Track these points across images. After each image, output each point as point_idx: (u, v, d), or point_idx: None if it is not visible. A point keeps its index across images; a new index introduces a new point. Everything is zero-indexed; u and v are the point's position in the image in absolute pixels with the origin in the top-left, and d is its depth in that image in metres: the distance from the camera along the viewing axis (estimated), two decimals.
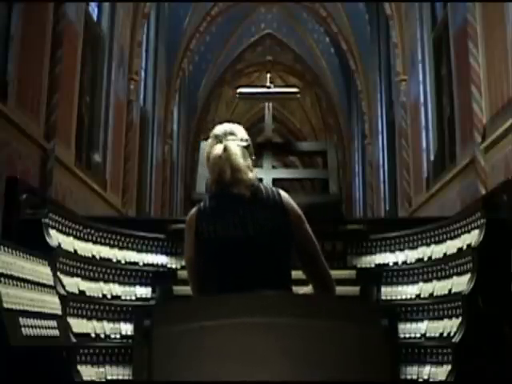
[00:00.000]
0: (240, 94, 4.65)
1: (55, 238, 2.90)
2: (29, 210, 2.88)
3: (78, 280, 3.01)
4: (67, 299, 2.77)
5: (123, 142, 10.28)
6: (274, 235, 2.16)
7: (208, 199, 2.24)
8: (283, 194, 2.27)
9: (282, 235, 2.19)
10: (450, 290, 2.91)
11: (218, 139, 2.29)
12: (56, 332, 2.49)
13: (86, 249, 3.16)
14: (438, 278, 3.06)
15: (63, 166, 7.16)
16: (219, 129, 2.35)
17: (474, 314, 2.65)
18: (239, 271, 2.11)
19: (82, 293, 3.00)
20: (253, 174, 2.25)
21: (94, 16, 9.35)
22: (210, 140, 2.34)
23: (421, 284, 3.17)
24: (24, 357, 2.25)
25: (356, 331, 1.65)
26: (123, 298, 3.25)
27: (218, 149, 2.24)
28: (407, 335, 3.04)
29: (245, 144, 2.29)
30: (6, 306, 2.16)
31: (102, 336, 3.03)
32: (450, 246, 3.05)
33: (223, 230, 2.13)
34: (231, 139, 2.27)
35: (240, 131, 2.35)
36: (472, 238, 2.86)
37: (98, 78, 9.41)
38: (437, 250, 3.15)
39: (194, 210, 2.25)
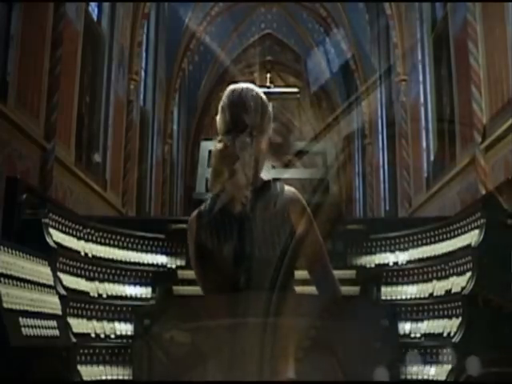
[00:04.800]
0: None
1: (55, 237, 2.90)
2: (29, 210, 2.88)
3: (77, 280, 3.01)
4: (67, 299, 2.77)
5: (123, 142, 10.27)
6: (275, 245, 1.94)
7: (208, 201, 2.05)
8: (287, 191, 1.99)
9: (283, 242, 1.97)
10: (449, 290, 2.91)
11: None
12: (56, 332, 2.49)
13: (86, 249, 3.16)
14: (438, 278, 3.06)
15: (63, 166, 7.15)
16: (229, 99, 1.97)
17: (474, 314, 2.64)
18: (237, 280, 1.91)
19: (82, 293, 3.00)
20: (256, 168, 1.92)
21: (94, 16, 9.34)
22: (218, 115, 1.99)
23: (421, 284, 3.16)
24: (24, 357, 2.25)
25: (356, 331, 1.65)
26: (123, 298, 3.25)
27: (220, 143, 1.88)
28: (407, 335, 3.04)
29: (254, 133, 1.90)
30: (6, 306, 2.16)
31: (102, 336, 3.03)
32: (450, 246, 3.05)
33: (220, 243, 1.93)
34: (240, 129, 1.88)
35: (251, 105, 1.93)
36: (472, 237, 2.86)
37: (98, 78, 9.40)
38: (437, 250, 3.15)
39: (194, 214, 2.07)
